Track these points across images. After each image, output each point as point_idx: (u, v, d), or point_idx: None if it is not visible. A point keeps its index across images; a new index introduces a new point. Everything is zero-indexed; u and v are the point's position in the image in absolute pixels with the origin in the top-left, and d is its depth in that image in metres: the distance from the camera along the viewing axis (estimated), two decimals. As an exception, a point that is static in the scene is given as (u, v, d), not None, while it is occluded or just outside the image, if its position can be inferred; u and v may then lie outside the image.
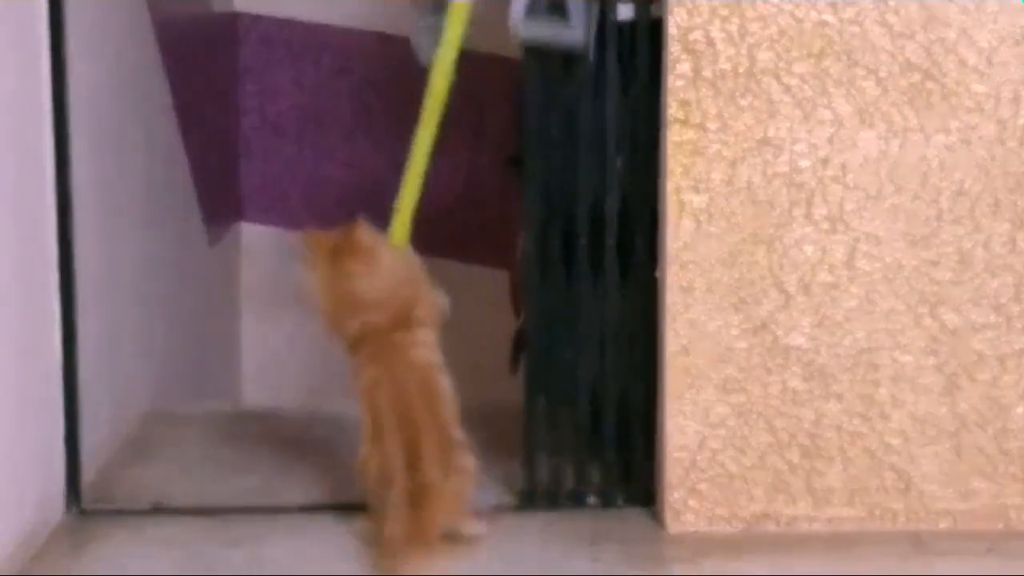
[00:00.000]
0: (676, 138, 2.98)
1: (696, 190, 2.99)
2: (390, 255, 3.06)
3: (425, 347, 3.00)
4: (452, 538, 2.90)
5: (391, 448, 2.90)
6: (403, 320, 3.00)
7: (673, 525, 3.07)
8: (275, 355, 5.31)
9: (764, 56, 2.96)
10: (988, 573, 2.94)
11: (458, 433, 2.94)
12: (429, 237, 5.23)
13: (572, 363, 3.17)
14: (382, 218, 5.36)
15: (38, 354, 3.07)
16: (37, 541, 2.99)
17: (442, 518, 2.85)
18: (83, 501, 3.18)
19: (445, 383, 2.98)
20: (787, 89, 2.97)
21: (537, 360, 3.16)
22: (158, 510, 3.20)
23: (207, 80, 4.83)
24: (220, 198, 4.98)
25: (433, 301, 3.06)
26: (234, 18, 5.12)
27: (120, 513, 3.17)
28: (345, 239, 3.03)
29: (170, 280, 4.20)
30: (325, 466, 3.40)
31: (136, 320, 3.77)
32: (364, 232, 3.04)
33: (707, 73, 2.96)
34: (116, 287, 3.53)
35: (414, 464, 2.87)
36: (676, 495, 3.06)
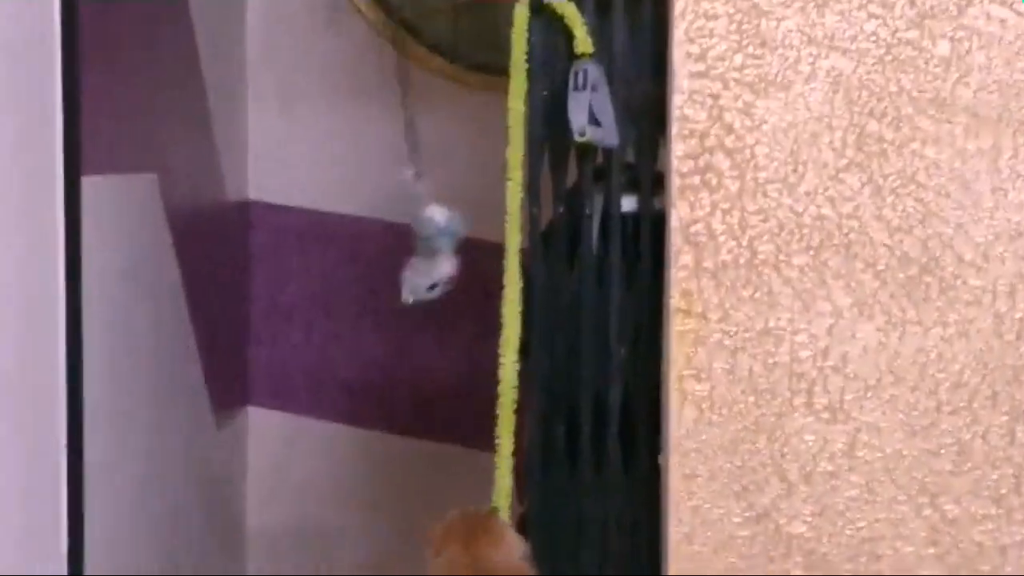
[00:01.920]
0: (679, 327, 2.99)
1: (698, 379, 2.99)
2: (514, 539, 3.07)
3: None
4: None
5: None
6: None
7: None
8: (280, 537, 5.27)
9: (764, 248, 2.98)
10: None
11: None
12: (437, 422, 5.26)
13: (575, 552, 3.15)
14: (388, 404, 5.38)
15: (44, 539, 3.06)
16: None
17: None
18: None
19: None
20: (787, 281, 2.99)
21: (540, 549, 3.13)
22: None
23: (218, 266, 4.86)
24: (228, 382, 4.99)
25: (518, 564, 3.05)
26: (246, 206, 5.17)
27: None
28: (482, 527, 3.05)
29: (177, 463, 4.19)
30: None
31: (142, 505, 3.76)
32: (498, 521, 3.08)
33: (708, 264, 2.98)
34: (124, 470, 3.53)
35: None
36: None
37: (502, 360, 3.11)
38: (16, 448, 2.86)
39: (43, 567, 3.02)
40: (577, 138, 2.99)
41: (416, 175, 3.84)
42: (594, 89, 3.01)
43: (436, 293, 3.64)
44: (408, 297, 3.60)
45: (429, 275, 3.66)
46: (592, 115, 2.99)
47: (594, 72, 3.01)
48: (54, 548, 3.07)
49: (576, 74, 3.01)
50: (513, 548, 3.08)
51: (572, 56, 3.04)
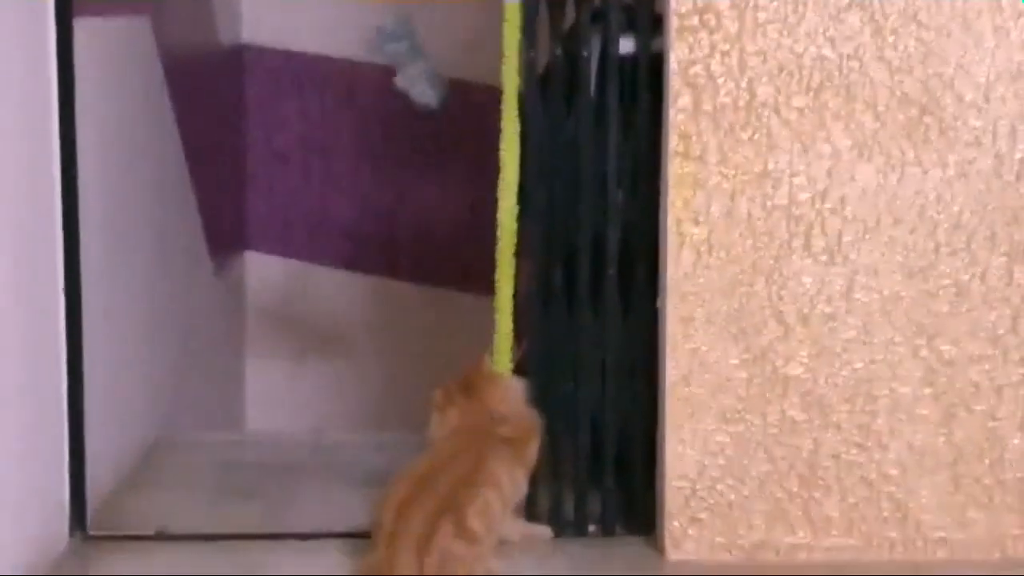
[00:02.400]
0: (677, 171, 2.99)
1: (696, 222, 3.00)
2: (509, 381, 3.13)
3: (506, 450, 3.02)
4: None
5: (408, 508, 2.89)
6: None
7: (673, 553, 3.07)
8: (278, 383, 5.31)
9: (764, 90, 2.97)
10: (986, 602, 2.96)
11: (475, 525, 2.89)
12: (436, 269, 5.27)
13: (573, 393, 3.18)
14: (388, 249, 5.39)
15: (45, 383, 3.08)
16: (42, 565, 2.99)
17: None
18: (89, 527, 3.18)
19: (495, 493, 2.95)
20: (786, 123, 2.98)
21: (538, 390, 3.16)
22: (162, 536, 3.20)
23: (213, 111, 4.85)
24: (226, 228, 4.99)
25: (529, 418, 3.09)
26: (240, 50, 5.14)
27: (125, 539, 3.17)
28: (475, 373, 3.10)
29: (176, 310, 4.21)
30: (326, 493, 3.42)
31: (141, 349, 3.78)
32: (488, 365, 3.12)
33: (707, 107, 2.97)
34: (122, 317, 3.54)
35: (408, 513, 2.87)
36: (676, 524, 3.06)
37: (501, 204, 3.11)
38: (15, 298, 2.87)
39: (44, 414, 3.05)
40: None
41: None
42: None
43: (427, 98, 3.60)
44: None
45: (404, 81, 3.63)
46: None
47: None
48: (55, 398, 3.09)
49: None
50: (514, 390, 3.11)
51: None
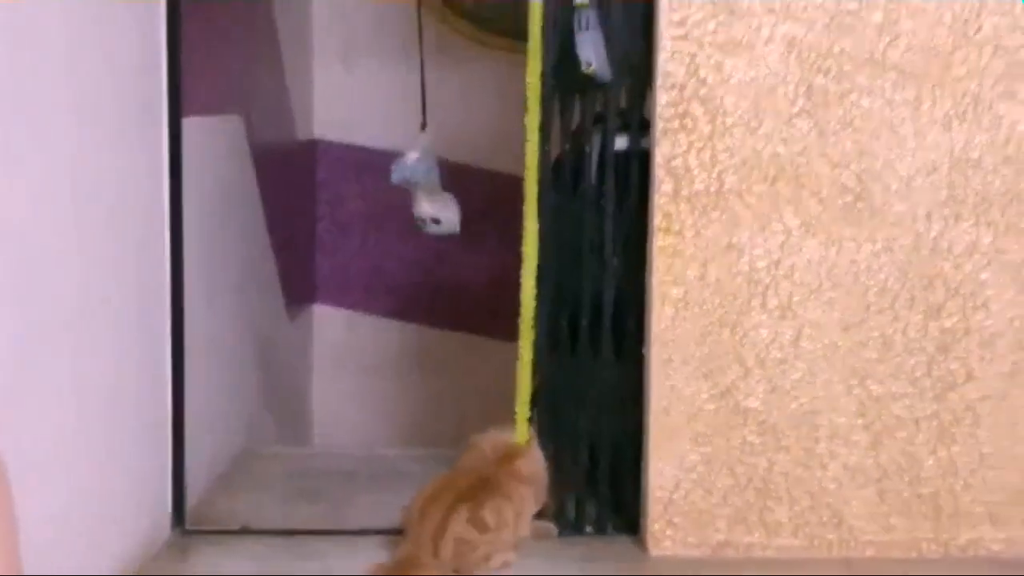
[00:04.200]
0: (660, 243, 2.99)
1: (675, 284, 3.00)
2: (534, 453, 3.07)
3: (520, 480, 2.98)
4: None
5: (432, 503, 2.87)
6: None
7: (654, 550, 3.06)
8: (339, 408, 5.31)
9: (730, 179, 2.98)
10: (905, 592, 2.95)
11: (487, 517, 2.85)
12: (467, 318, 5.27)
13: (575, 419, 3.18)
14: (428, 302, 5.38)
15: (155, 404, 3.09)
16: (149, 553, 3.01)
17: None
18: (186, 523, 3.19)
19: (508, 504, 2.90)
20: (748, 205, 2.99)
21: (547, 416, 3.16)
22: (245, 531, 3.21)
23: (290, 191, 4.86)
24: (299, 284, 5.00)
25: (539, 463, 3.06)
26: (313, 143, 5.17)
27: (215, 533, 3.18)
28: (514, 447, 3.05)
29: (258, 349, 4.21)
30: (378, 497, 3.41)
31: (231, 378, 3.78)
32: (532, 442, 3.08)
33: (685, 192, 2.98)
34: (216, 352, 3.54)
35: (430, 509, 2.84)
36: (657, 526, 3.06)
37: (523, 284, 3.10)
38: (136, 336, 2.89)
39: (154, 429, 3.05)
40: (584, 69, 2.96)
41: (423, 126, 3.75)
42: (593, 31, 2.99)
43: (442, 229, 3.55)
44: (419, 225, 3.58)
45: (418, 210, 3.60)
46: (594, 52, 2.98)
47: (593, 17, 3.00)
48: (161, 416, 3.10)
49: (579, 18, 2.99)
50: (535, 458, 3.06)
51: (574, 8, 3.01)
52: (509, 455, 3.00)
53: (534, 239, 3.08)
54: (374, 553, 2.98)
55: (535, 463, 3.03)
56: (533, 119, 3.05)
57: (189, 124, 3.14)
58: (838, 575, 2.96)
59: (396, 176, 3.59)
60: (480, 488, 2.88)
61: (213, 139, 3.54)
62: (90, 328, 2.65)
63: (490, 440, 3.05)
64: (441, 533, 2.79)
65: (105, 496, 2.76)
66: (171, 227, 3.12)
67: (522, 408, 3.12)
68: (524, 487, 2.97)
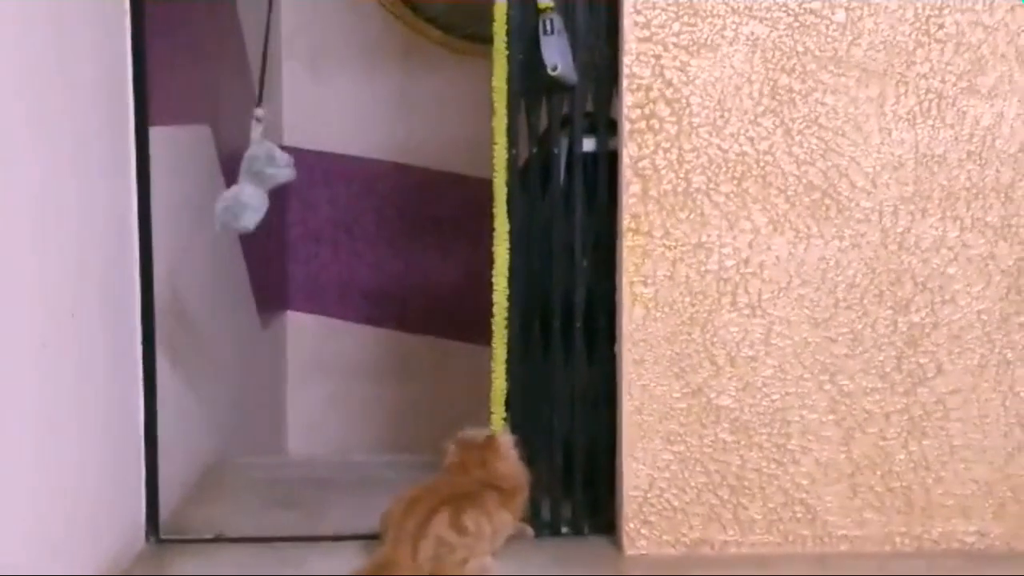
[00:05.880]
0: (629, 243, 3.00)
1: (645, 284, 3.00)
2: (509, 447, 3.04)
3: (500, 505, 2.95)
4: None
5: (414, 504, 2.85)
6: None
7: (630, 549, 3.06)
8: (314, 415, 5.30)
9: (697, 179, 2.98)
10: (879, 586, 2.95)
11: (467, 521, 2.84)
12: (438, 323, 5.27)
13: (549, 420, 3.17)
14: (400, 308, 5.38)
15: (127, 414, 3.07)
16: (124, 564, 2.99)
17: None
18: (161, 532, 3.17)
19: (486, 518, 2.89)
20: (716, 204, 2.99)
21: (521, 418, 3.15)
22: (220, 539, 3.19)
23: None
24: (271, 292, 4.99)
25: (520, 476, 3.03)
26: (281, 150, 5.15)
27: (190, 542, 3.16)
28: (490, 446, 3.02)
29: (230, 357, 4.19)
30: (353, 504, 3.39)
31: (204, 387, 3.76)
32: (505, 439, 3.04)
33: (653, 192, 2.99)
34: (186, 363, 3.53)
35: (410, 512, 2.83)
36: (632, 525, 3.05)
37: (496, 286, 3.09)
38: (103, 347, 2.87)
39: (126, 441, 3.04)
40: (550, 72, 2.96)
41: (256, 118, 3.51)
42: (559, 35, 2.99)
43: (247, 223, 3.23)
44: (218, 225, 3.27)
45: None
46: (559, 55, 2.97)
47: (558, 21, 2.99)
48: (134, 427, 3.08)
49: (544, 22, 2.99)
50: (508, 449, 3.04)
51: (539, 12, 3.00)
52: (488, 459, 2.99)
53: (504, 240, 3.08)
54: (351, 559, 2.97)
55: (516, 478, 3.01)
56: (500, 122, 3.05)
57: (156, 134, 3.13)
58: (813, 573, 2.96)
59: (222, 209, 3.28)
60: (463, 498, 2.88)
61: (181, 149, 3.52)
62: (59, 339, 2.63)
63: (471, 440, 3.03)
64: (423, 533, 2.78)
65: (77, 508, 2.74)
66: (140, 237, 3.10)
67: (497, 408, 3.11)
68: (504, 512, 2.95)
